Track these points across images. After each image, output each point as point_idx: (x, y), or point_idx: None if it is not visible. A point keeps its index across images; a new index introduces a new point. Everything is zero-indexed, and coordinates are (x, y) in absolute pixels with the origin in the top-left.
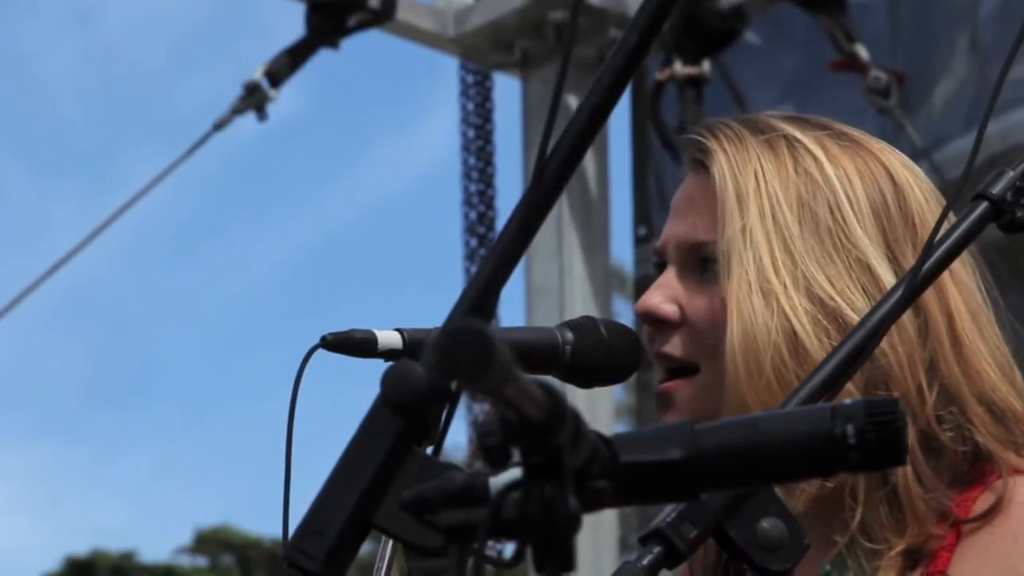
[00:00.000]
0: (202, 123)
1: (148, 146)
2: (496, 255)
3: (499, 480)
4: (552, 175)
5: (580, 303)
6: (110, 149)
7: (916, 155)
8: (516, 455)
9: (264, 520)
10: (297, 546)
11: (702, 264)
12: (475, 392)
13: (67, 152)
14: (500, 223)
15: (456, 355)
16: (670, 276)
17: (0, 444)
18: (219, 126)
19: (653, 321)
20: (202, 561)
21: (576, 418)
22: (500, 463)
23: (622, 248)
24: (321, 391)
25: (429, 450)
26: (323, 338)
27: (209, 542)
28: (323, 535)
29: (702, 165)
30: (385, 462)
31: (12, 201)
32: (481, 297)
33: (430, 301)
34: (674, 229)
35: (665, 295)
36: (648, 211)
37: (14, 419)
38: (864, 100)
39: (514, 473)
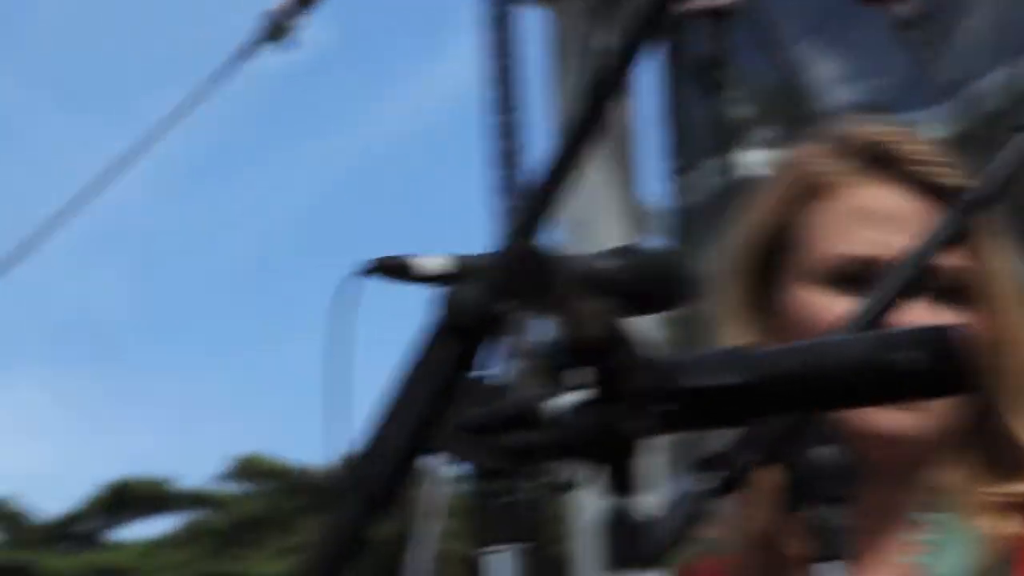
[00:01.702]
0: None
1: (174, 85)
2: (543, 184)
3: (560, 402)
4: (596, 106)
5: (609, 237)
6: (135, 87)
7: (942, 92)
8: (577, 377)
9: (297, 449)
10: (353, 471)
11: (939, 287)
12: (537, 312)
13: (92, 88)
14: (524, 155)
15: (521, 275)
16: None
17: (39, 372)
18: (244, 56)
19: None
20: (235, 488)
21: (637, 340)
22: (561, 385)
23: (646, 183)
24: (360, 319)
25: (484, 374)
26: (367, 263)
27: (242, 470)
28: (379, 459)
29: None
30: (442, 385)
31: (38, 134)
32: (530, 224)
33: (455, 231)
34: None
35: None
36: (677, 144)
37: (54, 348)
38: (892, 34)
39: (575, 395)
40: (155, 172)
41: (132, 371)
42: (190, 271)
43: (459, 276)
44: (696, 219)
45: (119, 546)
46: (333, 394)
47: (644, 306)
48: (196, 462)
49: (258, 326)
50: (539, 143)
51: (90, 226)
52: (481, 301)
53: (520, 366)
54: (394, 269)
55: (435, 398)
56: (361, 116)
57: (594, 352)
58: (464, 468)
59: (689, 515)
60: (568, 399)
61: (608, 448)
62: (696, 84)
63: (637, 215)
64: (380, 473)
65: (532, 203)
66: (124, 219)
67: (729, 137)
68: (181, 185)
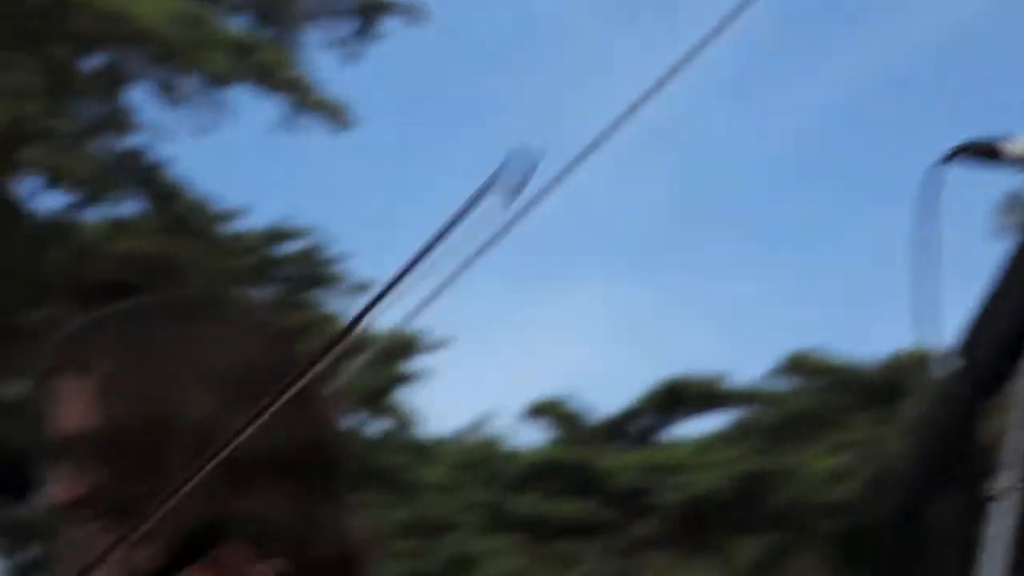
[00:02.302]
0: None
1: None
2: None
3: None
4: None
5: None
6: None
7: None
8: None
9: (855, 345)
10: (959, 358)
11: None
12: None
13: None
14: None
15: None
16: None
17: (595, 278)
18: None
19: None
20: (787, 385)
21: None
22: None
23: None
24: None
25: None
26: (953, 148)
27: (794, 366)
28: (986, 345)
29: None
30: None
31: (582, 43)
32: None
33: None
34: None
35: None
36: None
37: (607, 254)
38: None
39: None
40: (696, 77)
41: (685, 272)
42: (732, 173)
43: None
44: None
45: (672, 444)
46: (919, 285)
47: None
48: (749, 360)
49: (809, 221)
50: None
51: (634, 135)
52: None
53: None
54: (983, 152)
55: None
56: (898, 15)
57: None
58: None
59: None
60: None
61: None
62: None
63: None
64: (987, 359)
65: None
66: (668, 125)
67: None
68: (723, 89)
